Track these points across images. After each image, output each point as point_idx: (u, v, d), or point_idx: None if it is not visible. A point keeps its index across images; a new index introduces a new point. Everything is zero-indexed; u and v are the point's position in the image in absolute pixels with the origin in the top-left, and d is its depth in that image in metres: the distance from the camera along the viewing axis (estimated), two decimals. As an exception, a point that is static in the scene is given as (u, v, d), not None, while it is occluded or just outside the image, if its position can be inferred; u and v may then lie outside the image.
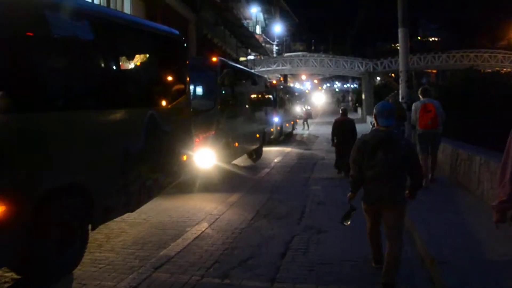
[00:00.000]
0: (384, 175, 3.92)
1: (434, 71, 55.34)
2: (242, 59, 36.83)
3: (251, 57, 37.74)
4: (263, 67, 36.54)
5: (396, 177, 3.97)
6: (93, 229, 4.97)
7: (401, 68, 11.86)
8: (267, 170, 11.70)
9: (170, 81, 6.74)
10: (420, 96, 8.52)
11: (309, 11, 69.89)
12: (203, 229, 6.10)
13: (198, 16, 20.89)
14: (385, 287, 3.92)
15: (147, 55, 6.44)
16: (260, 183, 9.81)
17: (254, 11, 37.75)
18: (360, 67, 41.03)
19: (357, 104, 50.84)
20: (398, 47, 12.22)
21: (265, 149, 15.21)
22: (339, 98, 78.38)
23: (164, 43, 6.78)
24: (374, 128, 4.20)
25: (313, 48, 64.07)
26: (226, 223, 6.42)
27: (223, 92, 9.77)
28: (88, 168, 4.67)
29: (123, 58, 5.73)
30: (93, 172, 4.75)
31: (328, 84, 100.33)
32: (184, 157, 6.90)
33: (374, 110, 4.17)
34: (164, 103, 6.47)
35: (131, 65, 6.07)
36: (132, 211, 5.73)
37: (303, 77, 67.44)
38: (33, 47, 4.08)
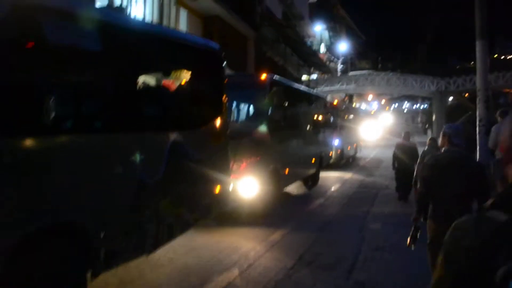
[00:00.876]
0: (454, 195, 3.79)
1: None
2: (304, 78, 35.97)
3: (314, 76, 36.73)
4: (327, 86, 35.28)
5: (466, 198, 3.85)
6: (94, 276, 4.13)
7: (478, 86, 10.36)
8: (321, 200, 10.50)
9: (202, 100, 5.87)
10: (499, 118, 8.11)
11: (376, 28, 67.57)
12: (231, 279, 5.08)
13: (257, 33, 20.29)
14: None
15: (173, 69, 5.61)
16: (310, 217, 8.64)
17: (318, 29, 36.78)
18: (431, 86, 38.47)
19: (427, 126, 47.87)
20: (473, 65, 10.83)
21: (323, 175, 14.04)
22: (408, 119, 74.80)
23: (196, 56, 5.91)
24: (444, 148, 4.06)
25: (379, 66, 61.49)
26: (261, 271, 5.35)
27: (272, 112, 8.83)
28: (87, 202, 3.84)
29: (140, 71, 4.90)
30: (94, 208, 3.92)
31: (396, 105, 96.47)
32: (218, 189, 5.95)
33: (445, 130, 4.10)
34: (192, 125, 5.60)
35: (151, 80, 5.25)
36: (147, 254, 4.84)
37: (370, 97, 65.12)
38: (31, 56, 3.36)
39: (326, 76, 38.32)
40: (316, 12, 37.81)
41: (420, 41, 60.77)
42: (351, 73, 42.53)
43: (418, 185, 4.15)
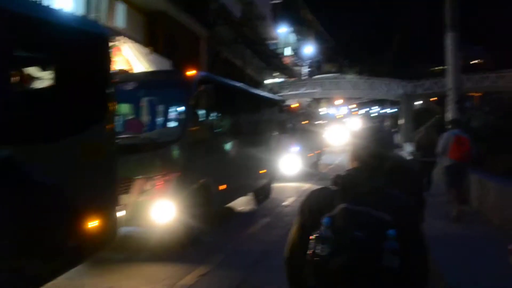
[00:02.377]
0: None
1: (478, 94, 51.02)
2: (268, 81, 34.58)
3: (279, 80, 35.43)
4: (291, 91, 33.93)
5: None
6: None
7: (449, 84, 9.11)
8: (267, 219, 8.90)
9: (69, 101, 4.17)
10: (450, 126, 8.53)
11: (344, 31, 66.83)
12: None
13: (210, 32, 18.69)
14: None
15: (23, 56, 3.89)
16: (245, 246, 6.99)
17: (283, 31, 35.43)
18: (398, 89, 37.70)
19: (394, 130, 47.28)
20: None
21: (278, 185, 12.52)
22: (377, 123, 74.45)
23: (62, 39, 4.13)
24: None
25: (346, 69, 60.39)
26: None
27: (200, 116, 7.21)
28: None
29: None
30: None
31: (366, 109, 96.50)
32: (92, 223, 4.27)
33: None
34: (49, 136, 3.91)
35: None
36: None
37: (339, 101, 64.26)
38: None
39: (291, 80, 36.98)
40: (281, 14, 36.50)
41: (388, 44, 60.45)
42: (316, 77, 41.28)
43: None
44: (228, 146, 8.39)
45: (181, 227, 6.46)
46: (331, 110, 63.95)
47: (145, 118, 7.39)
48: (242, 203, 10.45)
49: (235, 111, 9.26)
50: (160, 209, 6.27)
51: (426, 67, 62.72)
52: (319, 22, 55.22)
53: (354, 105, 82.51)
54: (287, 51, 39.30)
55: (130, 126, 7.19)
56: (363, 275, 1.64)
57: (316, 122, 23.19)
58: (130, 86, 7.27)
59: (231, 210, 9.76)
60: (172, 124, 7.10)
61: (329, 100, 58.13)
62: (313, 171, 19.39)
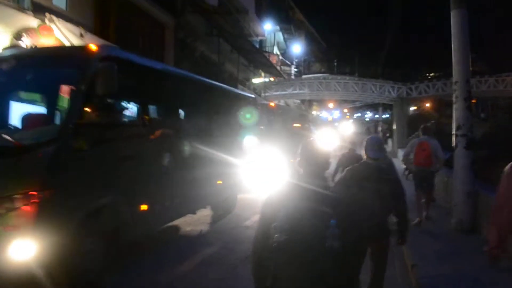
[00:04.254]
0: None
1: (473, 100, 49.19)
2: (255, 81, 32.39)
3: (266, 79, 33.29)
4: (277, 91, 31.71)
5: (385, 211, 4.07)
6: None
7: (455, 77, 6.97)
8: (209, 251, 6.56)
9: None
10: (420, 133, 8.71)
11: (336, 31, 64.59)
12: None
13: (178, 21, 16.46)
14: None
15: None
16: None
17: (269, 28, 33.24)
18: (392, 92, 35.58)
19: (388, 135, 45.29)
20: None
21: (250, 197, 10.42)
22: (370, 128, 72.45)
23: None
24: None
25: (336, 69, 57.77)
26: None
27: (101, 107, 4.98)
28: None
29: None
30: None
31: (359, 114, 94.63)
32: None
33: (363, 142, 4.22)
34: None
35: None
36: None
37: (331, 105, 62.17)
38: None
39: (277, 80, 34.75)
40: (267, 10, 34.41)
41: (381, 45, 58.53)
42: (304, 77, 39.00)
43: None
44: (157, 150, 6.17)
45: (61, 272, 4.27)
46: (324, 114, 62.01)
47: (18, 107, 5.16)
48: (193, 221, 8.32)
49: (172, 104, 7.02)
50: (22, 246, 4.07)
51: (419, 72, 60.90)
52: (310, 23, 53.13)
53: (346, 110, 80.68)
54: (275, 50, 37.15)
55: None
56: (312, 255, 2.13)
57: (307, 125, 21.09)
58: (5, 66, 5.09)
59: (171, 231, 7.58)
60: (44, 120, 4.85)
61: (321, 103, 56.06)
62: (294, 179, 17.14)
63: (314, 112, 48.53)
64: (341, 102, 61.17)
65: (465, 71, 7.01)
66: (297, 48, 40.87)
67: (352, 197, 2.98)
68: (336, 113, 72.02)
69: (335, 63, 59.40)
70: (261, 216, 2.38)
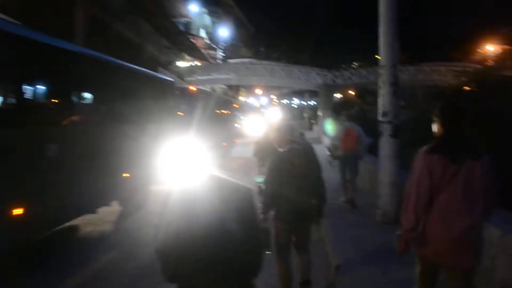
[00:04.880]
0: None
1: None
2: (182, 64, 31.03)
3: (191, 63, 32.04)
4: (203, 75, 30.58)
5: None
6: None
7: (382, 61, 6.47)
8: (106, 257, 5.67)
9: None
10: (345, 121, 8.88)
11: (264, 19, 64.12)
12: None
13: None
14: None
15: None
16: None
17: (195, 10, 31.88)
18: (317, 78, 35.77)
19: (312, 121, 45.91)
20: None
21: (163, 189, 9.43)
22: (297, 114, 73.41)
23: None
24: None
25: (262, 56, 57.29)
26: None
27: None
28: None
29: None
30: None
31: (287, 101, 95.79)
32: None
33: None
34: None
35: None
36: None
37: (259, 91, 61.92)
38: None
39: (202, 64, 33.54)
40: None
41: (308, 33, 58.99)
42: (230, 61, 38.10)
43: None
44: (38, 140, 5.06)
45: None
46: (251, 100, 61.63)
47: None
48: (96, 220, 7.29)
49: (61, 84, 5.88)
50: None
51: (346, 59, 62.39)
52: (239, 8, 52.11)
53: (275, 96, 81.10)
54: (201, 33, 35.84)
55: None
56: (215, 238, 2.23)
57: (231, 112, 20.30)
58: None
59: (65, 234, 6.51)
60: None
61: (248, 90, 55.55)
62: (218, 165, 16.37)
63: (241, 98, 47.86)
64: (268, 89, 61.02)
65: (392, 55, 6.57)
66: (224, 32, 39.75)
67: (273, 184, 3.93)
68: (264, 100, 72.08)
69: (263, 49, 59.00)
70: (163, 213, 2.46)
